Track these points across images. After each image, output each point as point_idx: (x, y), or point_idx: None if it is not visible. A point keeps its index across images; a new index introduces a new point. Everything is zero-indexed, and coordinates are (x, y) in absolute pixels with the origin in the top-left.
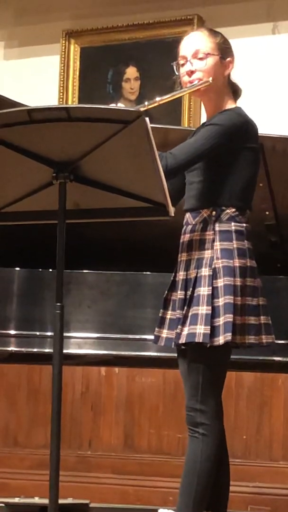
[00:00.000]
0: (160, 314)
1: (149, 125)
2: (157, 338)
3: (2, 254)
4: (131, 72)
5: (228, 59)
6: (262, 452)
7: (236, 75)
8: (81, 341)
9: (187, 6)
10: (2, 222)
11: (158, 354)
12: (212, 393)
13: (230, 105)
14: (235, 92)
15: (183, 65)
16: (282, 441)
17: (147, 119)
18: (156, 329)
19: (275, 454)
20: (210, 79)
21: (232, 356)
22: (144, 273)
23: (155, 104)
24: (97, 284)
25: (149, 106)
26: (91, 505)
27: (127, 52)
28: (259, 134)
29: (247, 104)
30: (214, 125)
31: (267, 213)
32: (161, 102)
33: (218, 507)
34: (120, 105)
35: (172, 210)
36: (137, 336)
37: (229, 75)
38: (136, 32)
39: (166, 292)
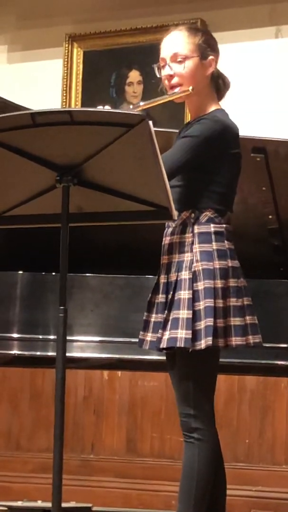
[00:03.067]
0: (144, 318)
1: (153, 129)
2: (142, 341)
3: (5, 257)
4: (134, 76)
5: (210, 57)
6: (265, 456)
7: (239, 79)
8: (83, 345)
9: (190, 10)
10: (5, 226)
11: (161, 358)
12: (204, 397)
13: (212, 107)
14: (219, 88)
15: (163, 67)
16: (285, 445)
17: (150, 122)
18: (141, 332)
19: (278, 458)
20: (190, 88)
21: (234, 360)
22: (147, 276)
23: (138, 109)
24: (100, 288)
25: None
26: (94, 508)
27: (130, 56)
28: (263, 138)
29: (250, 107)
30: (191, 137)
31: (270, 217)
32: (142, 108)
33: (216, 510)
34: (107, 107)
35: (175, 213)
36: None
37: (212, 73)
38: (139, 36)
39: (150, 295)
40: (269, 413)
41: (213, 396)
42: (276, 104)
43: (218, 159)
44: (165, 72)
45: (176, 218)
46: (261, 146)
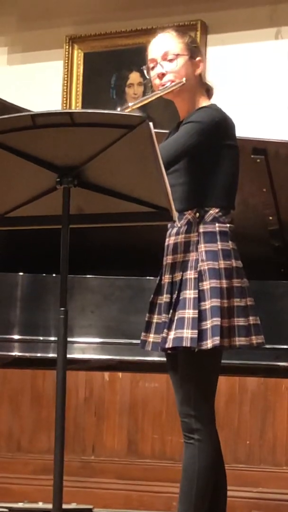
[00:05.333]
0: (146, 319)
1: (153, 130)
2: (144, 342)
3: (6, 259)
4: (134, 77)
5: (198, 58)
6: (266, 457)
7: (240, 80)
8: (84, 346)
9: (190, 12)
10: (6, 227)
11: (162, 359)
12: (205, 398)
13: (204, 103)
14: (207, 91)
15: (153, 68)
16: (285, 446)
17: (151, 124)
18: (143, 333)
19: (279, 459)
20: (184, 79)
21: (235, 361)
22: (148, 278)
23: (128, 109)
24: (101, 289)
25: (125, 111)
26: (95, 510)
27: (130, 58)
28: (264, 139)
29: (251, 108)
30: (194, 123)
31: (270, 218)
32: (134, 107)
33: (217, 511)
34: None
35: (175, 214)
36: None
37: (200, 74)
38: (139, 37)
39: (152, 296)
40: (270, 414)
41: (214, 397)
42: (277, 105)
43: (218, 149)
44: (157, 70)
45: (176, 219)
46: (261, 148)
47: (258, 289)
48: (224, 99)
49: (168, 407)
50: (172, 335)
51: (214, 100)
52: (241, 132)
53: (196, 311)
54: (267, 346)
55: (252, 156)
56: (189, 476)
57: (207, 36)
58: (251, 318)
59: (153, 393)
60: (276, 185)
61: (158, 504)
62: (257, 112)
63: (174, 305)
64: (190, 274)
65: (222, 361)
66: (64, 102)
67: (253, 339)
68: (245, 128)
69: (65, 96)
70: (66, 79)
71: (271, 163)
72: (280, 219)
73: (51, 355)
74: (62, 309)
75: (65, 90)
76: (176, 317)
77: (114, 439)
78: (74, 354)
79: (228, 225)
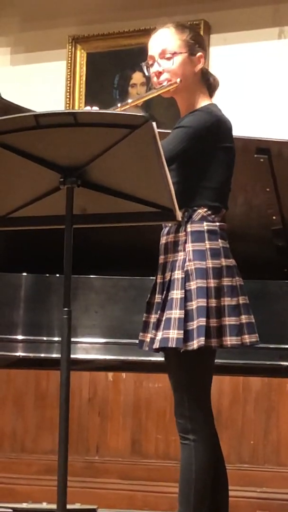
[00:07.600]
0: (143, 318)
1: (156, 130)
2: (142, 342)
3: (10, 259)
4: (137, 77)
5: (198, 54)
6: (270, 457)
7: (243, 79)
8: (88, 346)
9: (193, 12)
10: (9, 227)
11: None
12: (199, 398)
13: (203, 102)
14: (210, 86)
15: (152, 65)
16: None
17: (154, 124)
18: (140, 333)
19: (283, 459)
20: (178, 80)
21: (238, 361)
22: (151, 278)
23: (127, 107)
24: (104, 289)
25: (121, 109)
26: (99, 510)
27: (133, 58)
28: (267, 139)
29: (253, 108)
30: (183, 128)
31: (273, 218)
32: (132, 104)
33: (219, 511)
34: (95, 108)
35: (179, 214)
36: None
37: (201, 70)
38: (142, 37)
39: (149, 295)
40: (273, 414)
41: (208, 397)
42: (280, 105)
43: (210, 152)
44: (154, 69)
45: (180, 219)
46: (265, 147)
47: (261, 289)
48: (227, 98)
49: (172, 407)
50: (159, 335)
51: (216, 100)
52: (244, 131)
53: (182, 311)
54: (271, 346)
55: (255, 155)
56: (186, 477)
57: (210, 36)
58: (243, 316)
59: (156, 393)
60: (280, 185)
61: (162, 504)
62: (260, 112)
63: (162, 305)
64: (178, 274)
65: (226, 360)
66: (67, 102)
67: (246, 338)
68: (248, 128)
69: (68, 96)
70: (69, 79)
71: (274, 162)
72: (284, 218)
73: (54, 355)
74: (66, 309)
75: (68, 90)
76: (164, 318)
77: (118, 439)
78: (78, 354)
79: (217, 223)
